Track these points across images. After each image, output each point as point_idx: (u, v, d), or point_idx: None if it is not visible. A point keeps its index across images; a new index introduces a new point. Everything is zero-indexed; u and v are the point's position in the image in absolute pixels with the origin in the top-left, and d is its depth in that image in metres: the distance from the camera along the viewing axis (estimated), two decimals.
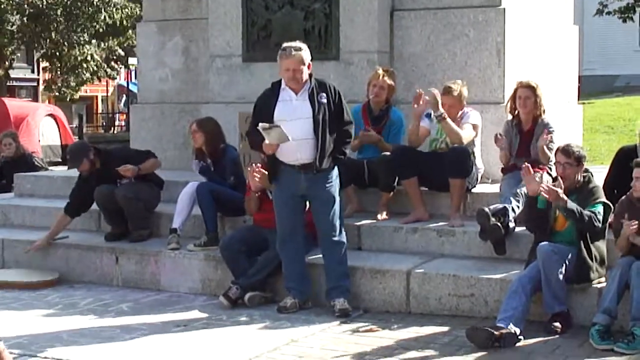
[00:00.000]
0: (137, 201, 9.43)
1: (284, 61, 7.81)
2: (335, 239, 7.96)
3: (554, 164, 7.74)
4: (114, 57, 41.89)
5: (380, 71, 9.23)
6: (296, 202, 7.99)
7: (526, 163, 7.51)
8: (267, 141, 7.72)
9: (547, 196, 7.16)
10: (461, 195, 8.71)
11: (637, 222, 6.89)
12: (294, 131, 7.66)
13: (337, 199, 7.99)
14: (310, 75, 7.88)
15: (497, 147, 8.65)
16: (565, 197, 7.14)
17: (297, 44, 7.92)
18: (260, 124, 7.67)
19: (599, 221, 7.20)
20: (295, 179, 7.85)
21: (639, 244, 6.92)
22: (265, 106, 7.92)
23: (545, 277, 7.07)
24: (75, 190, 9.73)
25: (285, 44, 7.95)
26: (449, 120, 8.56)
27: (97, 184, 9.51)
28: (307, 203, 8.05)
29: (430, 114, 8.85)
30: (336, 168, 8.01)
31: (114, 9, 35.82)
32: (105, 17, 35.38)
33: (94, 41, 37.75)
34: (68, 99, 42.43)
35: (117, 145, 17.52)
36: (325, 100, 7.80)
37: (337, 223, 7.98)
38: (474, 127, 8.82)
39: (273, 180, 7.99)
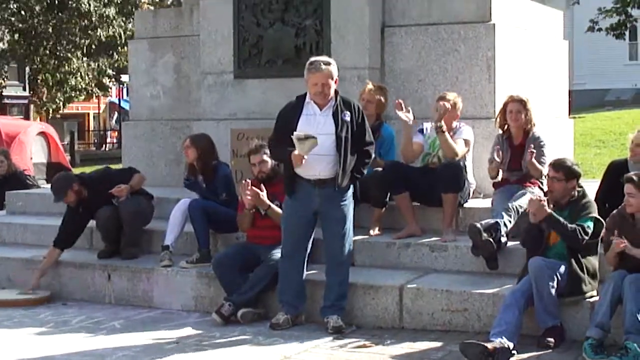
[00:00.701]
0: (140, 215, 9.50)
1: (312, 75, 7.76)
2: (342, 259, 7.93)
3: (546, 177, 7.77)
4: (105, 76, 41.88)
5: (369, 86, 9.26)
6: (308, 217, 7.92)
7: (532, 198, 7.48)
8: (297, 152, 7.61)
9: (532, 211, 7.20)
10: (454, 210, 8.72)
11: (625, 241, 6.91)
12: (317, 147, 7.63)
13: (350, 219, 7.95)
14: (336, 92, 7.84)
15: (490, 160, 8.66)
16: (548, 209, 7.16)
17: (326, 58, 7.93)
18: (295, 133, 7.58)
19: (586, 234, 7.21)
20: (310, 194, 7.81)
21: (636, 255, 6.92)
22: (288, 118, 7.87)
23: (537, 292, 7.07)
24: (65, 221, 9.59)
25: (313, 58, 7.92)
26: (447, 133, 8.57)
27: (85, 211, 9.51)
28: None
29: (423, 130, 8.87)
30: (352, 188, 7.98)
31: (108, 25, 35.85)
32: (100, 33, 35.40)
33: (84, 58, 37.76)
34: (52, 115, 42.31)
35: (107, 163, 17.53)
36: (348, 119, 7.77)
37: (347, 244, 7.94)
38: (466, 142, 8.85)
39: (288, 193, 7.94)
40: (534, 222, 7.30)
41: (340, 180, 7.75)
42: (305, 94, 7.93)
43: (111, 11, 36.10)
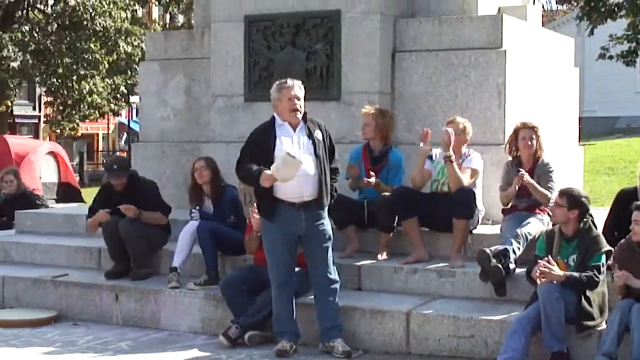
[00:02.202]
0: (140, 238, 9.45)
1: (286, 91, 7.79)
2: (332, 277, 7.91)
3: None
4: (118, 94, 42.01)
5: (367, 108, 9.26)
6: (293, 242, 7.89)
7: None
8: (272, 171, 7.52)
9: (543, 280, 7.15)
10: (464, 236, 8.71)
11: (627, 273, 6.90)
12: (303, 167, 7.65)
13: (331, 237, 7.97)
14: (304, 113, 7.91)
15: (503, 188, 8.67)
16: (561, 273, 7.13)
17: (290, 79, 7.96)
18: (287, 150, 7.52)
19: (601, 274, 7.22)
20: (296, 217, 7.77)
21: (633, 285, 6.91)
22: (261, 141, 7.83)
23: (546, 316, 7.05)
24: (96, 200, 9.89)
25: (277, 82, 7.99)
26: (455, 164, 8.57)
27: (115, 205, 9.58)
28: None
29: (432, 156, 8.87)
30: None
31: (128, 42, 36.01)
32: (122, 46, 35.56)
33: (100, 77, 37.89)
34: (68, 134, 42.43)
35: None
36: (320, 137, 7.84)
37: (331, 261, 7.95)
38: (473, 172, 8.78)
39: (269, 218, 7.84)
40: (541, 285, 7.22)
41: (325, 199, 7.78)
42: (272, 118, 7.93)
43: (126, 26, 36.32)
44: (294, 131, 7.83)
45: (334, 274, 7.94)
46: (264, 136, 7.87)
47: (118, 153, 58.12)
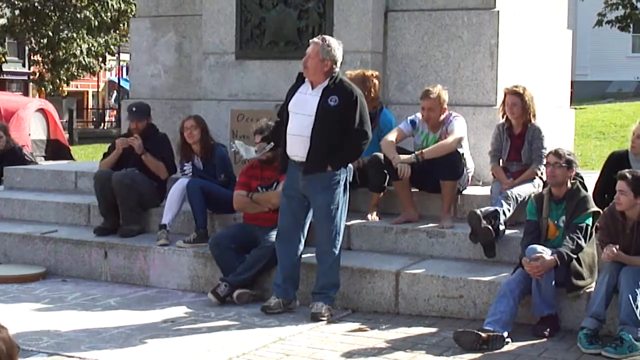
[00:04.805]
0: (131, 190, 9.44)
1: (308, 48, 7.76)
2: (324, 247, 7.79)
3: (544, 166, 7.75)
4: (108, 52, 41.80)
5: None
6: (298, 199, 7.83)
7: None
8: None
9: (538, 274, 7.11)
10: (452, 197, 8.70)
11: (615, 248, 6.87)
12: (295, 126, 7.64)
13: (335, 206, 7.73)
14: (335, 76, 7.67)
15: (487, 154, 8.67)
16: (552, 258, 7.05)
17: (323, 37, 7.83)
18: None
19: (587, 236, 7.23)
20: (296, 174, 7.74)
21: (625, 262, 6.91)
22: (288, 94, 7.90)
23: (536, 280, 7.06)
24: (110, 147, 9.97)
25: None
26: (427, 153, 8.47)
27: (128, 152, 9.68)
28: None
29: (415, 121, 8.80)
30: (342, 175, 7.75)
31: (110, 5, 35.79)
32: (112, 5, 35.35)
33: (86, 36, 37.65)
34: (55, 93, 42.26)
35: (105, 142, 17.62)
36: (333, 103, 7.59)
37: (330, 231, 7.74)
38: (457, 138, 8.60)
39: (281, 171, 7.99)
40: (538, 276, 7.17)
41: (312, 164, 7.61)
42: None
43: None
44: (312, 89, 7.71)
45: (327, 245, 7.78)
46: (292, 87, 7.94)
47: (108, 111, 58.05)
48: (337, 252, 7.80)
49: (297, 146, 7.67)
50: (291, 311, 7.86)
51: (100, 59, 41.17)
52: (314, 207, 7.84)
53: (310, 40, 7.81)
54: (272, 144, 8.00)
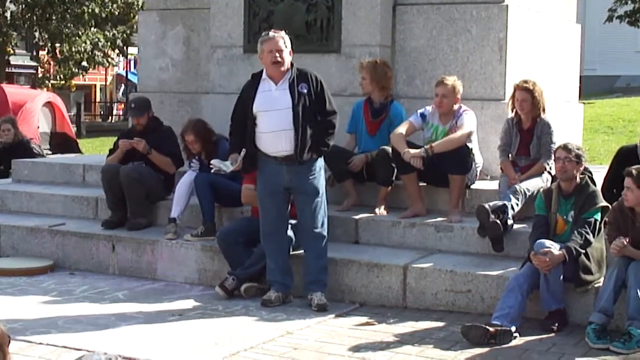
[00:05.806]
0: (139, 184, 9.43)
1: (266, 44, 7.79)
2: (317, 231, 7.89)
3: (554, 161, 7.74)
4: (115, 46, 41.80)
5: (360, 61, 9.31)
6: (280, 194, 7.91)
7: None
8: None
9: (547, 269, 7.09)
10: (460, 191, 8.69)
11: (625, 241, 6.85)
12: (272, 122, 7.69)
13: (321, 191, 7.92)
14: (291, 65, 7.84)
15: (496, 148, 8.65)
16: (561, 253, 7.03)
17: (276, 31, 7.95)
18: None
19: (595, 230, 7.21)
20: (278, 171, 7.80)
21: (634, 256, 6.89)
22: (245, 98, 7.91)
23: (544, 275, 7.05)
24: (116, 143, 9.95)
25: (263, 34, 8.01)
26: (437, 147, 8.45)
27: (133, 147, 9.68)
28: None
29: (425, 114, 8.78)
30: (320, 160, 7.95)
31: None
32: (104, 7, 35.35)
33: (93, 29, 37.63)
34: (63, 87, 42.33)
35: (112, 135, 17.62)
36: (305, 91, 7.75)
37: (320, 216, 7.91)
38: (467, 133, 8.62)
39: (254, 170, 7.98)
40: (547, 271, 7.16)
41: (299, 155, 7.71)
42: (261, 71, 7.94)
43: None
44: (276, 85, 7.79)
45: (320, 229, 7.91)
46: (248, 90, 7.95)
47: (116, 104, 58.08)
48: (325, 234, 7.96)
49: (280, 141, 7.73)
50: (288, 303, 7.90)
51: (117, 51, 41.16)
52: (301, 196, 7.90)
53: (270, 34, 7.85)
54: (244, 150, 7.96)
